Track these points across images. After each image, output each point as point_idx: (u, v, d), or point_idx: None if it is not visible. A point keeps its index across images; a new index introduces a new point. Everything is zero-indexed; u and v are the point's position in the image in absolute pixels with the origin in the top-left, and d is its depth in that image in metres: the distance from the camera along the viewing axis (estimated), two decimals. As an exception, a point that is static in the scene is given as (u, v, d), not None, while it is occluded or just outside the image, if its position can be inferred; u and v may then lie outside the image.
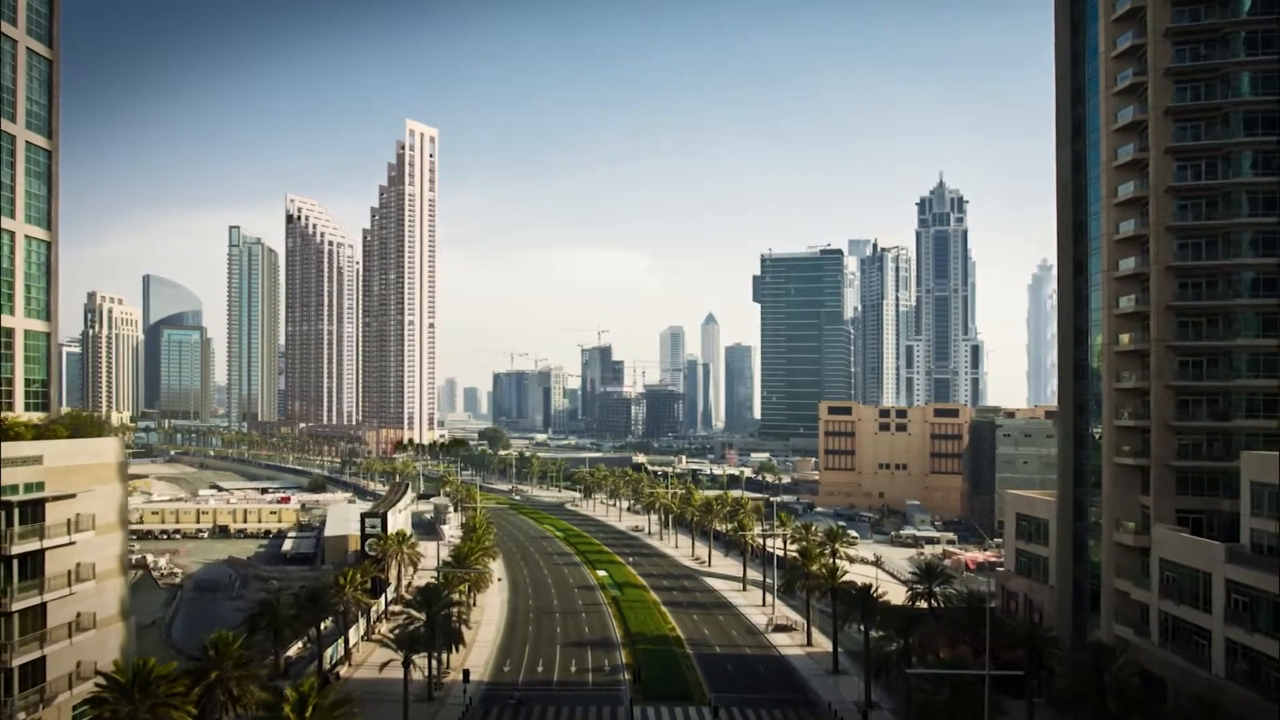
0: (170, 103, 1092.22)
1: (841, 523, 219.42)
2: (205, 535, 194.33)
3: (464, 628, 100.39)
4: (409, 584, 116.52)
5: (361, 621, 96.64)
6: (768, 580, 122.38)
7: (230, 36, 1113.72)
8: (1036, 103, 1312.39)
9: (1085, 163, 77.61)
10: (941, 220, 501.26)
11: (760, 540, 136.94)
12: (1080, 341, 78.84)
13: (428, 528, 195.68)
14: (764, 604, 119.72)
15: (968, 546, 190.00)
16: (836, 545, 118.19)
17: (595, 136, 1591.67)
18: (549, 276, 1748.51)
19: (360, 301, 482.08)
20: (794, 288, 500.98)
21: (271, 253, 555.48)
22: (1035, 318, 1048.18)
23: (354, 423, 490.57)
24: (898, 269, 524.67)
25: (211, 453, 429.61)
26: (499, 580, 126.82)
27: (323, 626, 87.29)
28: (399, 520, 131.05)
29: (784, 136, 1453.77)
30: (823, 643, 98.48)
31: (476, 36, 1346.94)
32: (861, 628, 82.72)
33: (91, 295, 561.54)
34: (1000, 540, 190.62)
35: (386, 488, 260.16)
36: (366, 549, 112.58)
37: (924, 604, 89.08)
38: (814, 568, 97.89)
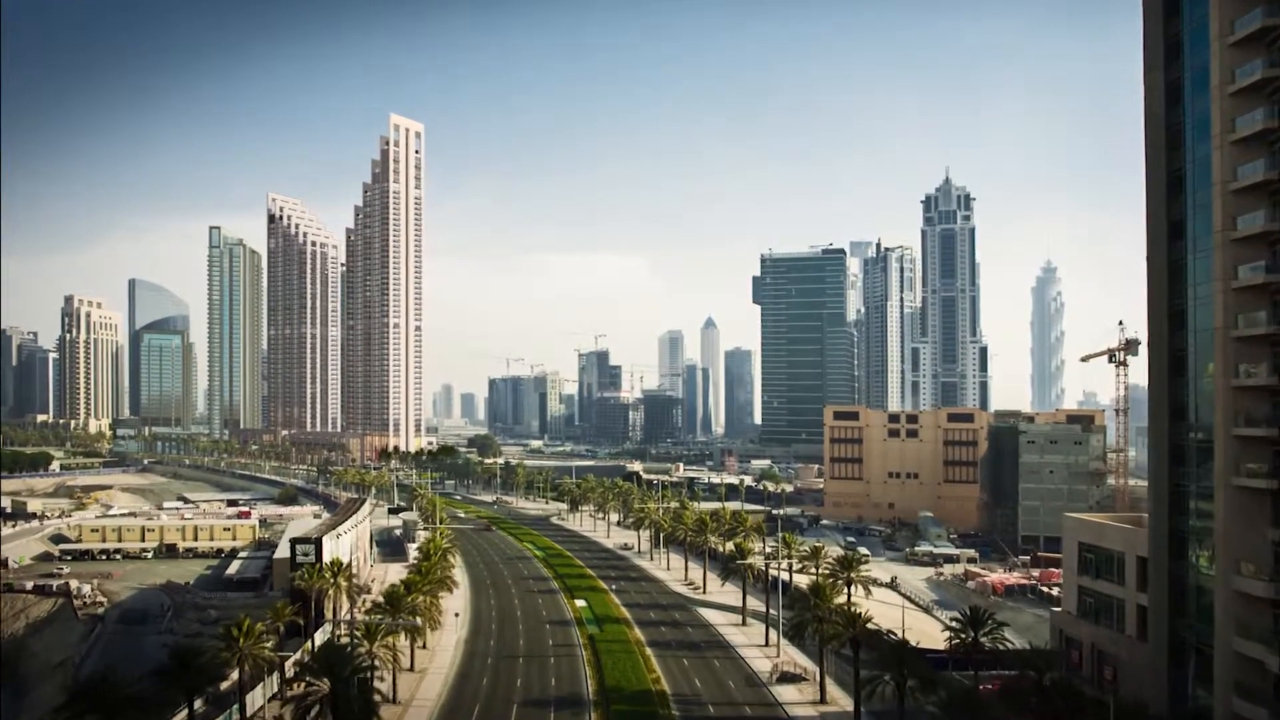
0: (160, 105, 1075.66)
1: (850, 539, 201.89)
2: (149, 555, 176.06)
3: (404, 674, 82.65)
4: (353, 620, 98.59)
5: (274, 677, 78.60)
6: (771, 612, 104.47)
7: (222, 39, 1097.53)
8: (1030, 102, 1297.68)
9: (1184, 92, 59.74)
10: (948, 218, 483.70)
11: (763, 564, 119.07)
12: (1178, 325, 60.84)
13: (395, 546, 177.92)
14: (767, 643, 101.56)
15: (991, 565, 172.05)
16: (852, 574, 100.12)
17: (593, 141, 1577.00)
18: (549, 282, 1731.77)
19: (344, 303, 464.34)
20: (795, 289, 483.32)
21: (254, 254, 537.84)
22: (1039, 320, 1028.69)
23: (339, 429, 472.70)
24: (902, 269, 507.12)
25: (187, 461, 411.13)
26: (456, 616, 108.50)
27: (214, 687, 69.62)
28: (343, 545, 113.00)
29: (783, 138, 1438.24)
30: (840, 699, 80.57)
31: (472, 40, 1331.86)
32: (889, 679, 65.14)
33: (69, 299, 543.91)
34: (1026, 559, 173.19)
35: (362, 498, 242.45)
36: (294, 581, 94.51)
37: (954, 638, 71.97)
38: (831, 605, 79.79)
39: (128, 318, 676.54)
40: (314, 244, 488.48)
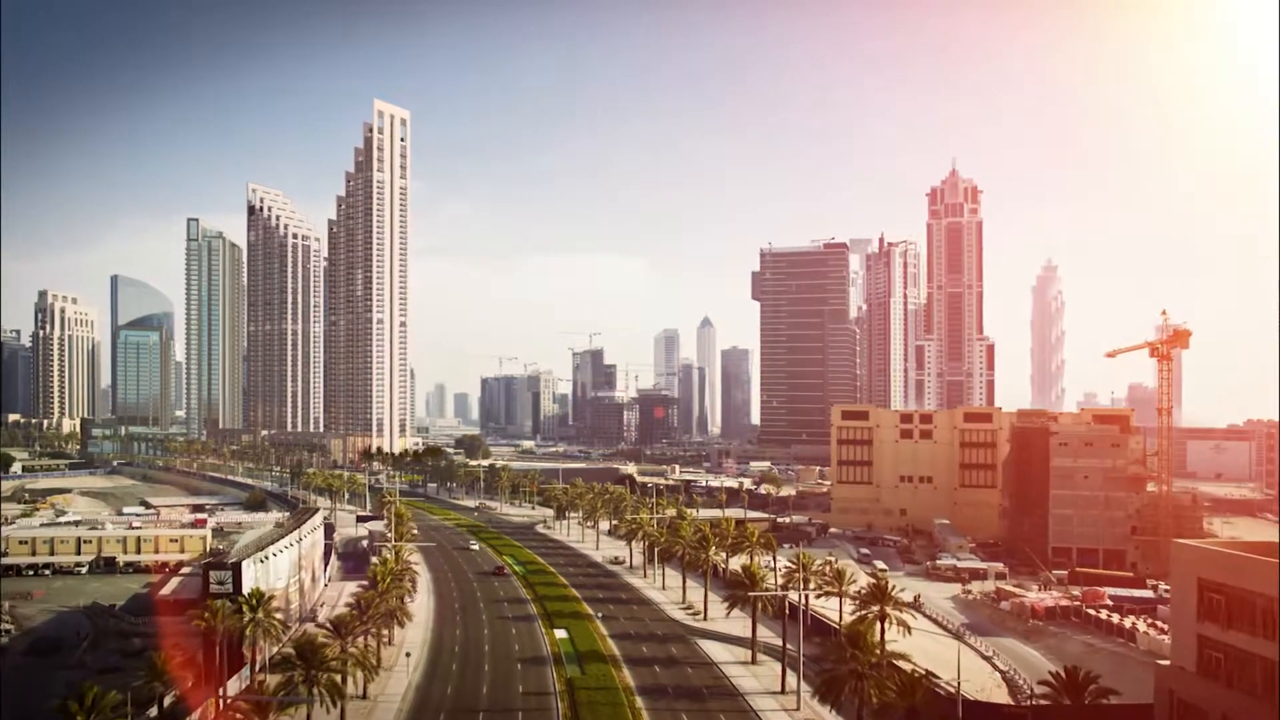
0: (153, 101, 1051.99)
1: (864, 550, 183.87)
2: (83, 570, 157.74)
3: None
4: (280, 659, 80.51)
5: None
6: (789, 649, 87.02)
7: (215, 37, 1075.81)
8: (1027, 99, 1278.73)
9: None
10: (954, 211, 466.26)
11: (778, 590, 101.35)
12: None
13: (361, 560, 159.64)
14: (783, 689, 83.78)
15: (1023, 581, 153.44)
16: (888, 607, 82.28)
17: (589, 141, 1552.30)
18: (545, 282, 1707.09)
19: (326, 298, 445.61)
20: (795, 284, 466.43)
21: (234, 247, 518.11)
22: (1040, 320, 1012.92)
23: (321, 429, 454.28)
24: (905, 264, 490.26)
25: (160, 463, 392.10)
26: (408, 656, 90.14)
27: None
28: (278, 565, 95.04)
29: (780, 136, 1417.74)
30: (883, 775, 62.87)
31: (468, 39, 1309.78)
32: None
33: (42, 294, 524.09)
34: (1063, 574, 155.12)
35: (332, 504, 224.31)
36: (193, 622, 76.22)
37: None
38: (874, 658, 61.86)
39: (110, 314, 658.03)
40: (295, 236, 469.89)
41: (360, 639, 75.05)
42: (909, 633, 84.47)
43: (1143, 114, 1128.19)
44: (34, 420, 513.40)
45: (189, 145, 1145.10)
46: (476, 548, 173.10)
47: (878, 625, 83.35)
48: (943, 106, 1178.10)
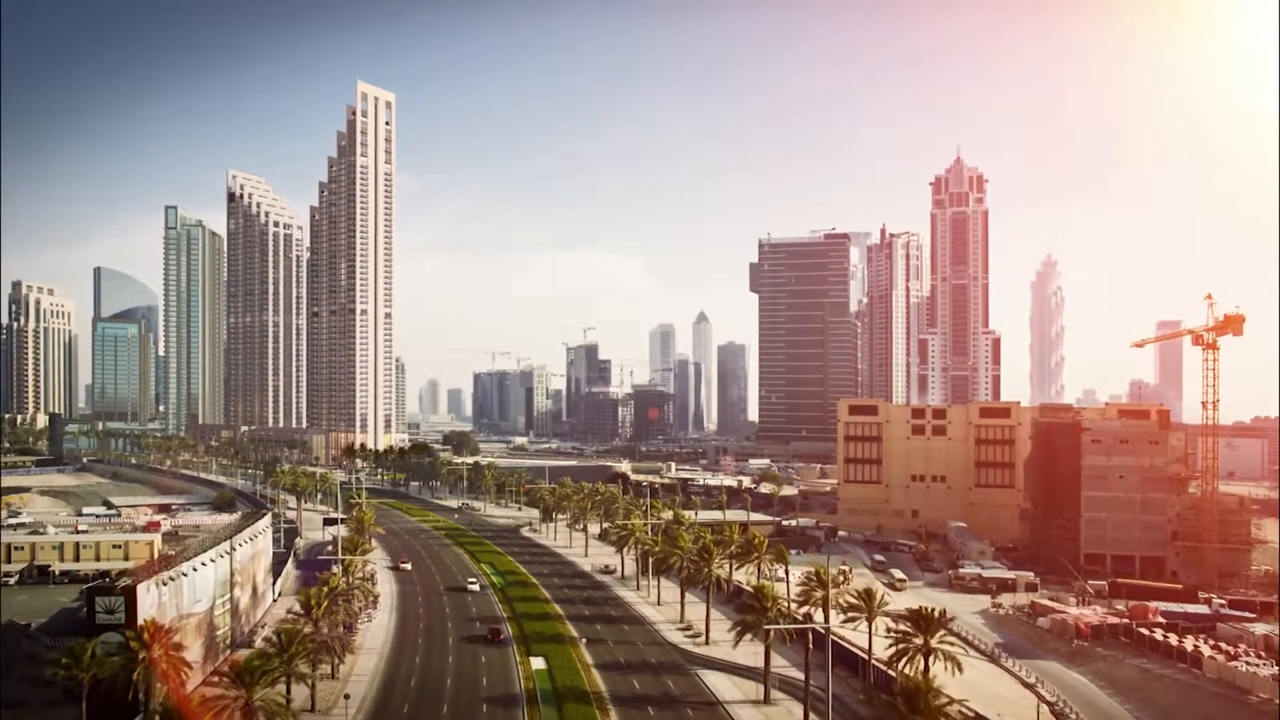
0: (144, 97, 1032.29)
1: (878, 556, 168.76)
2: (12, 581, 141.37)
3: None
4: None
5: None
6: (811, 684, 71.74)
7: (221, 35, 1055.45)
8: (1022, 96, 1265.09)
9: None
10: (959, 201, 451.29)
11: (793, 610, 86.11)
12: None
13: (322, 569, 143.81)
14: (805, 738, 68.54)
15: (1057, 593, 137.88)
16: (934, 640, 66.88)
17: (586, 138, 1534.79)
18: (542, 279, 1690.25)
19: (309, 289, 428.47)
20: (795, 275, 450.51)
21: (215, 236, 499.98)
22: (1040, 315, 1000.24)
23: (304, 425, 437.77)
24: (908, 256, 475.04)
25: (134, 460, 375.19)
26: (347, 698, 74.26)
27: None
28: (198, 583, 79.33)
29: (780, 130, 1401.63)
30: None
31: (466, 34, 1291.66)
32: None
33: (16, 285, 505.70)
34: (1103, 584, 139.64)
35: (298, 505, 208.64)
36: (49, 671, 60.37)
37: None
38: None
39: (94, 308, 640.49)
40: (277, 225, 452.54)
41: (278, 683, 59.52)
42: (959, 670, 69.08)
43: (1142, 111, 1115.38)
44: (8, 415, 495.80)
45: (182, 140, 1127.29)
46: (476, 588, 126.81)
47: (920, 660, 68.41)
48: (940, 103, 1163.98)
